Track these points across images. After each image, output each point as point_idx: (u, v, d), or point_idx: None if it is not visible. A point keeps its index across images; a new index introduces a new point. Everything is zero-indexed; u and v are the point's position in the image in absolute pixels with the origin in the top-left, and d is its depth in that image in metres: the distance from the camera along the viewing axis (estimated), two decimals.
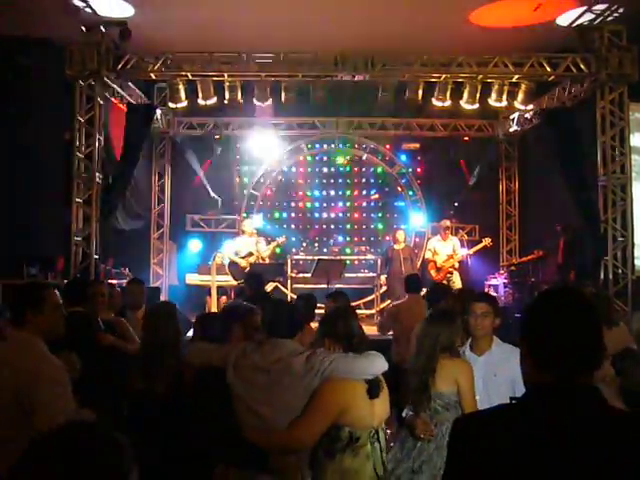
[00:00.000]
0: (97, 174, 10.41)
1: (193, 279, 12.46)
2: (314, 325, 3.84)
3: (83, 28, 10.18)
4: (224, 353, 3.46)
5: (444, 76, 10.91)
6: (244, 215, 14.35)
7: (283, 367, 3.16)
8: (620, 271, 10.42)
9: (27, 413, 3.02)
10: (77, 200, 10.36)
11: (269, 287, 11.36)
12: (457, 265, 11.66)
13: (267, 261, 11.83)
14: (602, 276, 10.36)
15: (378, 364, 3.28)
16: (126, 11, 10.29)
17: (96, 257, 10.36)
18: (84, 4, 9.95)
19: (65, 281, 9.83)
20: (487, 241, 11.95)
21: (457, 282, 11.40)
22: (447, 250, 11.70)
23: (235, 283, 11.31)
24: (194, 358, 3.77)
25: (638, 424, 1.58)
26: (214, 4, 10.11)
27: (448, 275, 11.50)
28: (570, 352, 1.60)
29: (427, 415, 3.80)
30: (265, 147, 14.31)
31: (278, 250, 13.06)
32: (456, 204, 13.83)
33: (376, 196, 15.03)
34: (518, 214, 14.65)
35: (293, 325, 3.35)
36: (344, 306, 3.80)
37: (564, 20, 10.60)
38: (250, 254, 11.58)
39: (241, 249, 11.72)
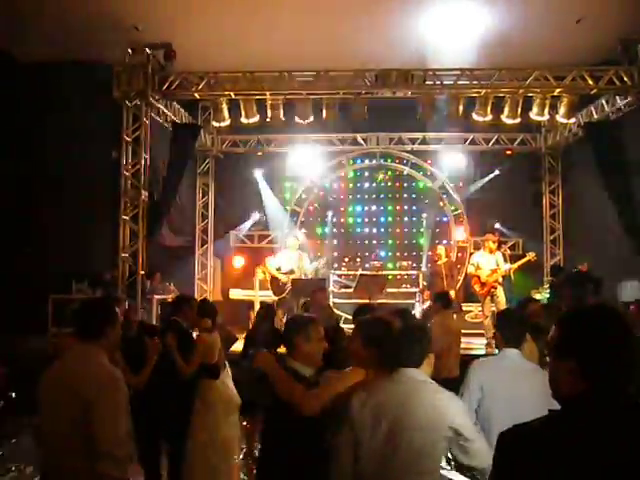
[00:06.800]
0: (143, 192, 10.67)
1: (236, 294, 12.61)
2: None
3: (130, 50, 10.51)
4: None
5: (484, 91, 10.89)
6: (286, 231, 14.49)
7: None
8: None
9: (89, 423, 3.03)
10: (124, 217, 10.63)
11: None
12: (501, 280, 11.53)
13: (309, 276, 11.87)
14: None
15: None
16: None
17: (142, 273, 10.58)
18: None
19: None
20: (531, 255, 11.76)
21: (501, 297, 11.23)
22: (490, 265, 11.54)
23: (276, 298, 11.35)
24: None
25: None
26: (255, 25, 10.35)
27: (492, 290, 11.36)
28: (620, 366, 1.68)
29: None
30: (307, 163, 14.42)
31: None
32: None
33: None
34: (562, 228, 14.48)
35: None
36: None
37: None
38: (292, 271, 11.47)
39: (284, 265, 11.64)
